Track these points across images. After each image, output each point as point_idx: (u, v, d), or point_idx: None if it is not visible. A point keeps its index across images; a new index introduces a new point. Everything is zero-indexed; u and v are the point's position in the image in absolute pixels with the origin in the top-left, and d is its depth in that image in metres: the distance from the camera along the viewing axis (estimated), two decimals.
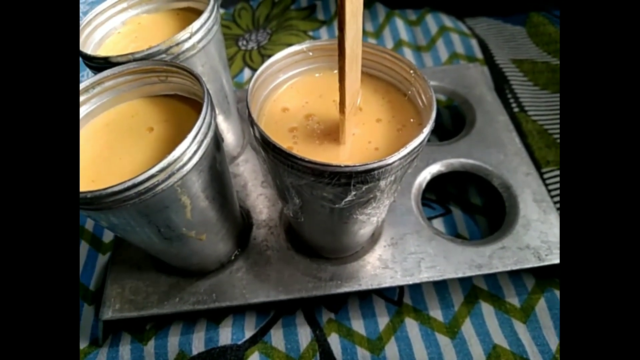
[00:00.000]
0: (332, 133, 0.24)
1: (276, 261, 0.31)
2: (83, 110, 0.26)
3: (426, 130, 0.22)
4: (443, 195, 0.39)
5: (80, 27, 0.30)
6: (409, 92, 0.24)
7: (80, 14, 0.61)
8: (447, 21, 0.52)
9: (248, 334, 0.32)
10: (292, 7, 0.58)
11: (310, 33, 0.54)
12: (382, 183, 0.22)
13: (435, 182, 0.37)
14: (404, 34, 0.52)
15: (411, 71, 0.24)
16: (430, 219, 0.36)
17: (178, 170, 0.21)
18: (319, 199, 0.23)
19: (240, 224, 0.32)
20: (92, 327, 0.34)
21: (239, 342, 0.31)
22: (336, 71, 0.27)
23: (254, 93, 0.24)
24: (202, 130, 0.22)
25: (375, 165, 0.20)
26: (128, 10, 0.33)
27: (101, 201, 0.20)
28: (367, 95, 0.25)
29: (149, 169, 0.20)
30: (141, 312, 0.29)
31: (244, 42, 0.54)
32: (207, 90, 0.23)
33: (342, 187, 0.21)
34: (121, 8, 0.32)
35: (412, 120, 0.24)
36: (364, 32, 0.53)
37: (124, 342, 0.33)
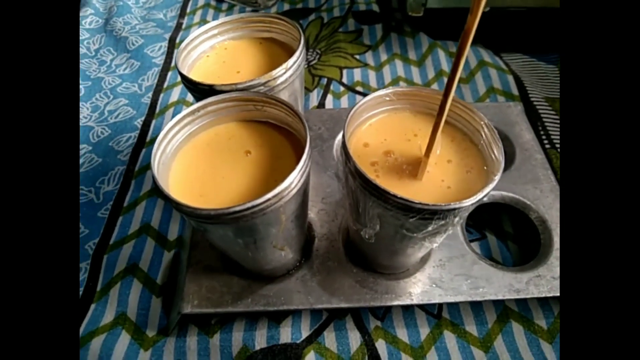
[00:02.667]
0: (409, 169, 0.28)
1: (337, 272, 0.35)
2: (187, 130, 0.30)
3: (497, 177, 0.25)
4: (479, 221, 0.43)
5: (178, 51, 0.34)
6: (480, 142, 0.28)
7: (138, 18, 0.65)
8: (486, 56, 0.56)
9: (304, 334, 0.36)
10: (340, 29, 0.61)
11: (357, 56, 0.58)
12: (456, 219, 0.26)
13: (473, 209, 0.41)
14: (444, 65, 0.56)
15: (482, 122, 0.28)
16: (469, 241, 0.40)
17: (286, 194, 0.25)
18: (399, 227, 0.26)
19: (306, 235, 0.35)
20: (160, 317, 0.38)
21: (298, 341, 0.35)
22: (408, 112, 0.31)
23: (347, 130, 0.27)
24: (306, 161, 0.26)
25: (457, 205, 0.24)
26: (217, 37, 0.36)
27: (222, 217, 0.24)
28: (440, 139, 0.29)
29: (266, 193, 0.24)
30: (217, 309, 0.33)
31: None
32: (307, 126, 0.27)
33: (424, 220, 0.25)
34: (211, 34, 0.36)
35: (485, 167, 0.27)
36: (408, 60, 0.57)
37: (191, 333, 0.36)
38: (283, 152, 0.29)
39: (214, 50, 0.37)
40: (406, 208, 0.24)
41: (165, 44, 0.61)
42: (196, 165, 0.29)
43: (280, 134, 0.30)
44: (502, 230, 0.42)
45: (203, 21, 0.65)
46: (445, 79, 0.55)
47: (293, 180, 0.25)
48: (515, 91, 0.52)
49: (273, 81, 0.31)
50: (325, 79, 0.55)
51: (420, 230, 0.26)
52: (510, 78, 0.54)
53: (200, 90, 0.31)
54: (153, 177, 0.26)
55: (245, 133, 0.31)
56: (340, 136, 0.44)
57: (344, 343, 0.36)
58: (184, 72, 0.32)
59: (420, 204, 0.24)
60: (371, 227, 0.28)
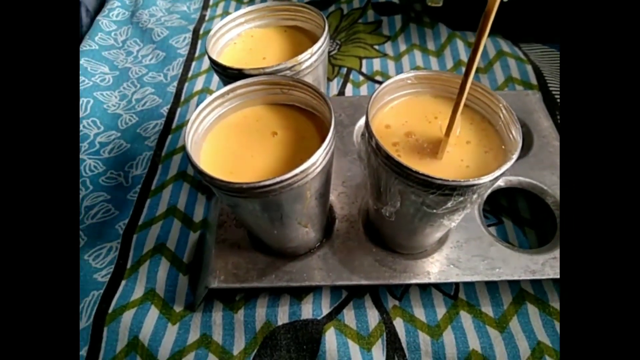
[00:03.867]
0: (429, 149, 0.29)
1: (357, 251, 0.36)
2: (217, 112, 0.31)
3: (514, 155, 0.26)
4: (496, 207, 0.43)
5: (208, 38, 0.35)
6: (499, 123, 0.29)
7: (163, 10, 0.66)
8: (505, 46, 0.57)
9: (325, 311, 0.37)
10: (359, 20, 0.63)
11: (376, 47, 0.59)
12: (475, 196, 0.27)
13: (490, 195, 0.42)
14: (463, 55, 0.57)
15: (500, 105, 0.29)
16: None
17: (312, 172, 0.26)
18: (420, 204, 0.27)
19: (328, 216, 0.37)
20: (187, 294, 0.40)
21: (318, 318, 0.37)
22: (429, 96, 0.32)
23: (370, 111, 0.29)
24: (330, 141, 0.27)
25: (475, 182, 0.25)
26: (244, 25, 0.38)
27: (252, 191, 0.26)
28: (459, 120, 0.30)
29: (293, 169, 0.25)
30: (242, 284, 0.35)
31: None
32: (332, 107, 0.28)
33: (444, 197, 0.26)
34: (239, 22, 0.38)
35: (502, 147, 0.28)
36: (426, 50, 0.58)
37: (216, 309, 0.38)
38: (308, 134, 0.31)
39: (241, 38, 0.38)
40: (427, 184, 0.25)
41: (189, 35, 0.63)
42: (226, 145, 0.31)
43: (305, 116, 0.32)
44: (519, 216, 0.43)
45: (225, 13, 0.67)
46: (464, 69, 0.56)
47: (318, 158, 0.26)
48: (534, 81, 0.53)
49: (298, 66, 0.32)
50: (345, 69, 0.56)
51: (440, 207, 0.27)
52: (529, 68, 0.54)
53: (230, 75, 0.32)
54: (187, 154, 0.27)
55: (271, 115, 0.32)
56: (360, 121, 0.46)
57: (363, 320, 0.37)
58: (214, 58, 0.34)
59: (440, 179, 0.25)
60: (392, 205, 0.29)
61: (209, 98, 0.31)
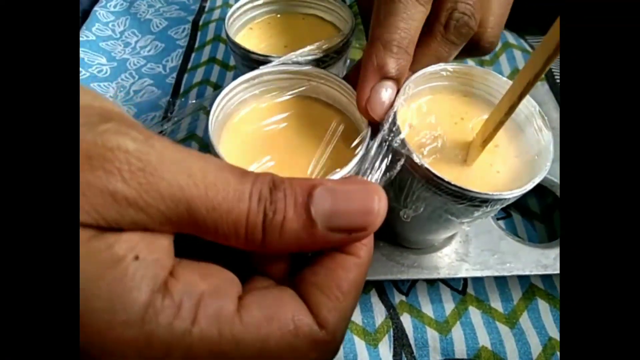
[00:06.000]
0: (456, 153, 0.27)
1: None
2: (240, 97, 0.30)
3: (548, 165, 0.25)
4: None
5: (227, 17, 0.34)
6: (530, 128, 0.28)
7: (162, 1, 0.65)
8: (510, 38, 0.56)
9: None
10: None
11: None
12: (503, 206, 0.26)
13: None
14: None
15: (533, 109, 0.28)
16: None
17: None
18: (444, 211, 0.26)
19: None
20: None
21: None
22: (455, 93, 0.30)
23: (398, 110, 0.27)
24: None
25: (509, 195, 0.24)
26: (261, 8, 0.36)
27: None
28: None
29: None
30: None
31: None
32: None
33: (473, 207, 0.25)
34: (256, 4, 0.36)
35: (533, 152, 0.27)
36: None
37: None
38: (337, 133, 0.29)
39: (257, 23, 0.37)
40: (458, 195, 0.24)
41: (188, 26, 0.62)
42: (245, 139, 0.29)
43: (329, 110, 0.30)
44: (528, 210, 0.42)
45: (225, 5, 0.66)
46: (470, 61, 0.55)
47: (351, 169, 0.25)
48: None
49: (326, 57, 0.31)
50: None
51: (467, 216, 0.26)
52: None
53: (252, 59, 0.31)
54: (210, 145, 0.26)
55: (300, 110, 0.30)
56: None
57: (369, 316, 0.36)
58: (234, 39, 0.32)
59: (473, 192, 0.23)
60: (413, 209, 0.27)
61: (234, 83, 0.28)
